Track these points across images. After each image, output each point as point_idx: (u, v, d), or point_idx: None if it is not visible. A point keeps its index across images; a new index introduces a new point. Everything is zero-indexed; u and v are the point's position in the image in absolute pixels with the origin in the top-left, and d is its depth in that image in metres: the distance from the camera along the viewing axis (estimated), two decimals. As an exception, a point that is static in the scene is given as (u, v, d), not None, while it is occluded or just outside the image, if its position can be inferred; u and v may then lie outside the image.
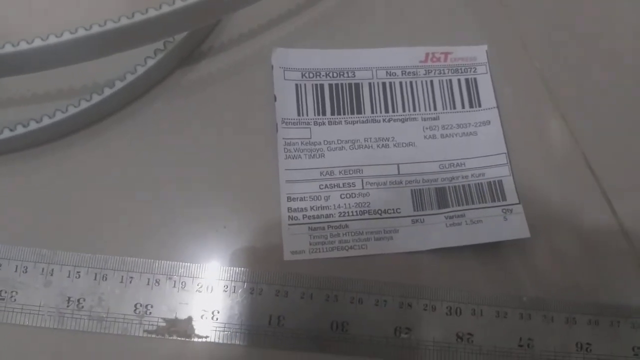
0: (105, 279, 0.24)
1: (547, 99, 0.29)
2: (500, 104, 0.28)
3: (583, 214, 0.27)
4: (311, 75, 0.28)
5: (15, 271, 0.24)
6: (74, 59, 0.23)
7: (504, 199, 0.26)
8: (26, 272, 0.24)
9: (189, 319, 0.24)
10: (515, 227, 0.26)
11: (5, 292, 0.23)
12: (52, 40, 0.22)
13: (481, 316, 0.25)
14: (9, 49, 0.22)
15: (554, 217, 0.27)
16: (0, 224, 0.25)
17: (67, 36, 0.22)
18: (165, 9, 0.23)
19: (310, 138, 0.27)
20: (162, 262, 0.24)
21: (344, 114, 0.28)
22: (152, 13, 0.23)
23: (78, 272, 0.24)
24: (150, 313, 0.24)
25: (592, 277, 0.26)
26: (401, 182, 0.27)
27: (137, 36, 0.23)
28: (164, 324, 0.24)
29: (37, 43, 0.22)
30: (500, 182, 0.27)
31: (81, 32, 0.22)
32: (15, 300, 0.23)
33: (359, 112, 0.28)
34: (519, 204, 0.26)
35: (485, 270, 0.26)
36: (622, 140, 0.28)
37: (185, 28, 0.25)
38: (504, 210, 0.26)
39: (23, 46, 0.22)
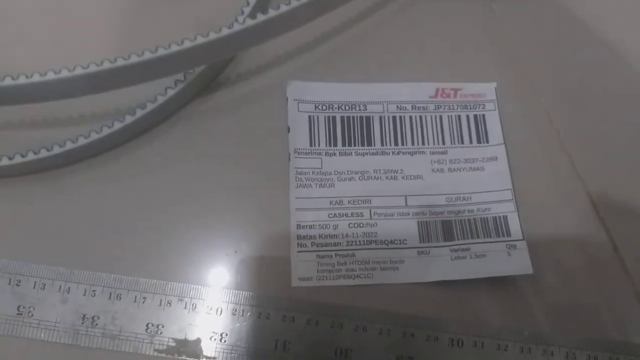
0: (120, 299, 0.25)
1: (554, 136, 0.29)
2: (508, 140, 0.29)
3: (586, 251, 0.27)
4: (324, 107, 0.29)
5: (34, 288, 0.25)
6: (99, 89, 0.25)
7: (509, 234, 0.27)
8: (44, 289, 0.25)
9: (198, 340, 0.25)
10: (518, 263, 0.26)
11: (23, 308, 0.24)
12: (79, 71, 0.23)
13: (482, 349, 0.25)
14: (62, 74, 0.23)
15: (558, 253, 0.27)
16: (21, 243, 0.26)
17: (93, 68, 0.23)
18: (187, 44, 0.24)
19: (321, 168, 0.28)
20: (174, 283, 0.25)
21: (355, 145, 0.28)
22: (174, 48, 0.24)
23: (94, 290, 0.25)
24: (161, 333, 0.25)
25: (593, 314, 0.26)
26: (408, 214, 0.27)
27: (159, 68, 0.25)
28: (173, 344, 0.24)
29: (64, 74, 0.23)
30: (505, 217, 0.27)
31: (106, 65, 0.23)
32: (32, 315, 0.24)
33: (370, 144, 0.28)
34: (522, 240, 0.27)
35: (487, 303, 0.26)
36: (628, 180, 0.29)
37: (204, 62, 0.26)
38: (508, 246, 0.27)
39: (50, 76, 0.23)
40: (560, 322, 0.26)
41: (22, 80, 0.23)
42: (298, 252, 0.26)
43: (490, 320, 0.26)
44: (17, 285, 0.25)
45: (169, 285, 0.25)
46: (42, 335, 0.24)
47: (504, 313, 0.26)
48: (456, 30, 0.32)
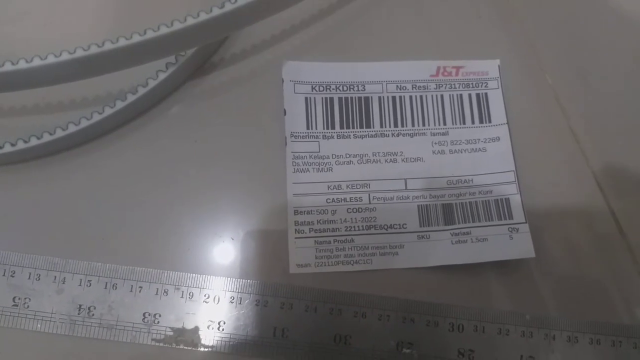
0: (116, 288, 0.25)
1: (559, 115, 0.29)
2: (511, 120, 0.28)
3: (590, 233, 0.27)
4: (321, 88, 0.28)
5: (29, 279, 0.25)
6: (87, 74, 0.24)
7: (511, 217, 0.26)
8: (39, 279, 0.25)
9: (196, 329, 0.24)
10: (520, 246, 0.26)
11: (19, 299, 0.24)
12: (66, 56, 0.22)
13: (483, 333, 0.25)
14: (48, 60, 0.23)
15: (561, 235, 0.27)
16: (15, 233, 0.25)
17: (80, 52, 0.22)
18: (177, 26, 0.23)
19: (319, 152, 0.27)
20: (171, 272, 0.25)
21: (353, 127, 0.28)
22: (164, 30, 0.23)
23: (89, 280, 0.25)
24: (158, 322, 0.24)
25: (597, 296, 0.26)
26: (408, 197, 0.27)
27: (149, 51, 0.24)
28: (171, 333, 0.24)
29: (51, 59, 0.22)
30: (507, 200, 0.27)
31: (94, 49, 0.22)
32: (28, 306, 0.24)
33: (368, 126, 0.28)
34: (525, 223, 0.26)
35: (488, 287, 0.26)
36: (635, 160, 0.28)
37: (195, 44, 0.25)
38: (510, 229, 0.26)
39: (37, 62, 0.23)
40: (562, 305, 0.26)
41: (8, 67, 0.23)
42: (296, 238, 0.26)
43: (491, 305, 0.26)
44: (12, 276, 0.24)
45: (165, 274, 0.25)
46: (39, 326, 0.24)
47: (505, 297, 0.26)
48: (458, 4, 0.30)
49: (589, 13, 0.30)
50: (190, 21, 0.23)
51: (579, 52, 0.30)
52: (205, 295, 0.25)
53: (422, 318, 0.25)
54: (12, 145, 0.25)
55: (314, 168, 0.27)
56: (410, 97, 0.28)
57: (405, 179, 0.27)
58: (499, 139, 0.28)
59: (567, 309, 0.26)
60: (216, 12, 0.23)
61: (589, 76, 0.29)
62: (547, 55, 0.30)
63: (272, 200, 0.26)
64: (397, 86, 0.28)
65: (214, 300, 0.25)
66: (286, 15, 0.27)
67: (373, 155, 0.27)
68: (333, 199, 0.27)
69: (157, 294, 0.25)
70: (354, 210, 0.26)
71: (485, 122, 0.28)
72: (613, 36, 0.30)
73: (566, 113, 0.29)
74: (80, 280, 0.25)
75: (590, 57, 0.30)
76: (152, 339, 0.24)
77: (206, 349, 0.24)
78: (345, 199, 0.27)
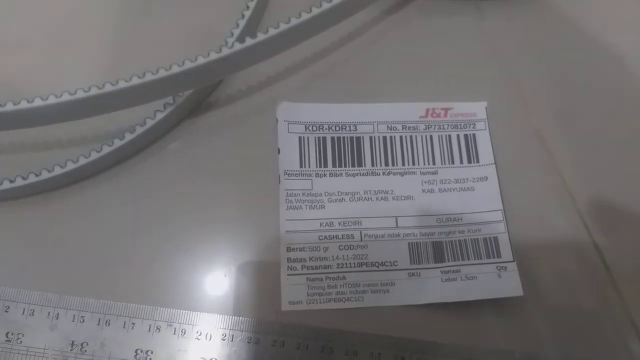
0: (108, 324, 0.25)
1: (545, 156, 0.29)
2: (498, 160, 0.29)
3: (577, 271, 0.27)
4: (314, 128, 0.29)
5: (22, 314, 0.25)
6: (86, 115, 0.25)
7: (499, 256, 0.27)
8: (33, 315, 0.25)
9: (188, 366, 0.25)
10: (508, 285, 0.26)
11: (12, 334, 0.24)
12: (66, 97, 0.23)
13: (473, 371, 0.25)
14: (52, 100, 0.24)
15: (549, 274, 0.27)
16: (9, 268, 0.26)
17: (80, 94, 0.23)
18: (175, 69, 0.24)
19: (312, 189, 0.28)
20: (163, 309, 0.25)
21: (345, 166, 0.28)
22: (162, 73, 0.24)
23: (82, 316, 0.25)
24: (150, 359, 0.24)
25: (584, 336, 0.26)
26: (399, 235, 0.27)
27: (148, 93, 0.24)
28: (163, 371, 0.24)
29: (52, 100, 0.23)
30: (495, 238, 0.27)
31: (94, 91, 0.23)
32: (21, 342, 0.24)
33: (360, 164, 0.28)
34: (513, 261, 0.27)
35: (478, 326, 0.26)
36: (620, 201, 0.29)
37: (193, 86, 0.26)
38: (499, 268, 0.27)
39: (37, 102, 0.23)
40: (551, 344, 0.26)
41: (10, 107, 0.23)
42: (288, 275, 0.26)
43: (480, 343, 0.26)
44: (5, 311, 0.25)
45: (158, 311, 0.25)
46: (31, 362, 0.24)
47: (496, 333, 0.26)
48: (447, 49, 0.31)
49: (573, 57, 0.32)
50: (188, 65, 0.24)
51: (563, 94, 0.31)
52: (197, 332, 0.25)
53: (412, 356, 0.25)
54: (11, 182, 0.25)
55: (306, 205, 0.27)
56: (401, 137, 0.29)
57: (396, 217, 0.28)
58: (486, 178, 0.29)
59: (555, 347, 0.26)
60: (213, 56, 0.24)
61: (573, 117, 0.30)
62: (533, 97, 0.31)
63: (265, 237, 0.27)
64: (387, 126, 0.29)
65: (206, 337, 0.25)
66: (281, 58, 0.28)
67: (364, 193, 0.28)
68: (325, 236, 0.27)
69: (149, 330, 0.25)
70: (346, 247, 0.27)
71: (473, 162, 0.29)
72: (596, 78, 0.31)
73: (551, 153, 0.29)
74: (74, 316, 0.25)
75: (574, 99, 0.31)
76: (144, 376, 0.24)
77: (197, 386, 0.24)
78: (337, 236, 0.27)
